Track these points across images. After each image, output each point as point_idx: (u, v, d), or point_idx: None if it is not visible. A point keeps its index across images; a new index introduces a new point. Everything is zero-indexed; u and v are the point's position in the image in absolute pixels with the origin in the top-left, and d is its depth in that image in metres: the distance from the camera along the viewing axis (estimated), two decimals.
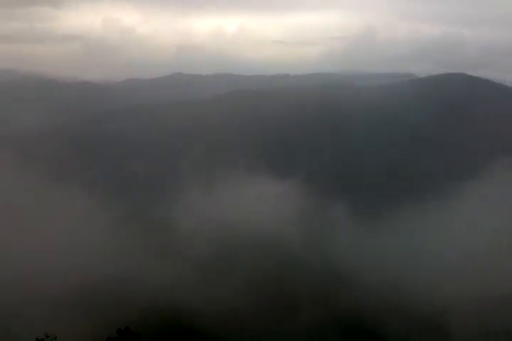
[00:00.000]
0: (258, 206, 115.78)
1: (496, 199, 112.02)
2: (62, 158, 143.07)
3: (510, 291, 74.79)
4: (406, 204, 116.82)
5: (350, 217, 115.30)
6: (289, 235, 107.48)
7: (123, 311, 63.10)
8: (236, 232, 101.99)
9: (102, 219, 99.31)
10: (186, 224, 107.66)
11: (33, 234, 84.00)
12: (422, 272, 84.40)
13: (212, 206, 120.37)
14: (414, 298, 77.83)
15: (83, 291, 67.78)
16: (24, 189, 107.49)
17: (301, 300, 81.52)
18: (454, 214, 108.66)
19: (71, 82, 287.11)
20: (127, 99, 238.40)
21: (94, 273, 72.58)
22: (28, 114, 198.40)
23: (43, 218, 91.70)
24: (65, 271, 70.22)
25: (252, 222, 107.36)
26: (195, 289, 78.61)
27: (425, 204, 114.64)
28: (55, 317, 56.16)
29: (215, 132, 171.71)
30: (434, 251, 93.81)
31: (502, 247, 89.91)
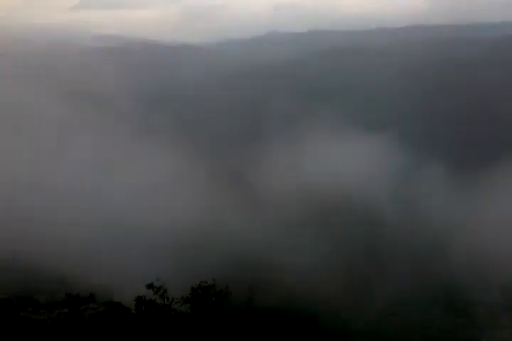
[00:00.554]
0: (348, 164, 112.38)
1: None
2: (162, 118, 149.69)
3: None
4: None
5: (446, 178, 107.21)
6: (380, 198, 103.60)
7: (210, 265, 64.93)
8: (324, 192, 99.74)
9: (192, 175, 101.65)
10: (275, 181, 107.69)
11: (125, 188, 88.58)
12: None
13: (302, 162, 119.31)
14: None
15: (174, 244, 71.39)
16: (123, 145, 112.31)
17: (389, 268, 78.56)
18: None
19: (172, 46, 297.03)
20: (226, 60, 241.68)
21: (184, 226, 75.72)
22: (131, 78, 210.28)
23: (136, 173, 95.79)
24: (157, 224, 74.28)
25: (342, 182, 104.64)
26: (281, 252, 76.28)
27: None
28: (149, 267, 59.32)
29: (313, 91, 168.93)
30: None
31: None
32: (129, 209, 78.81)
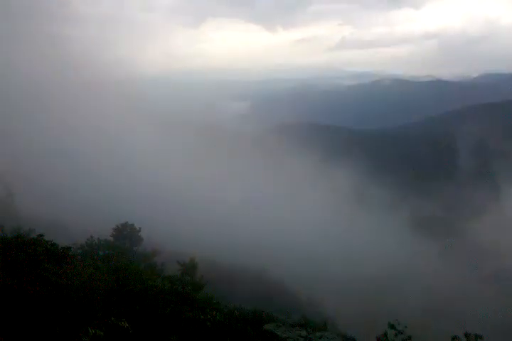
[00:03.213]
0: None
1: None
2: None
3: None
4: None
5: None
6: None
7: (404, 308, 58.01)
8: None
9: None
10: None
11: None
12: None
13: None
14: None
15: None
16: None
17: None
18: None
19: (424, 80, 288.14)
20: (483, 95, 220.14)
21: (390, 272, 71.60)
22: (384, 113, 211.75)
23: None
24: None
25: None
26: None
27: None
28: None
29: None
30: None
31: None
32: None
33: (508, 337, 56.11)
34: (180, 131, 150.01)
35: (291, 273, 60.91)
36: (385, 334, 23.85)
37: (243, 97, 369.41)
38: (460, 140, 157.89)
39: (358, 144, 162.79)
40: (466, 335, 21.32)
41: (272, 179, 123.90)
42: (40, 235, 26.84)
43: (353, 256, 78.07)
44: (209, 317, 11.78)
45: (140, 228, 42.37)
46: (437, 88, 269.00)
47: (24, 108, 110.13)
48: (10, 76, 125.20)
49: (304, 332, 15.92)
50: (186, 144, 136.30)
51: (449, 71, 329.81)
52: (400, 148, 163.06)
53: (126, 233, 41.39)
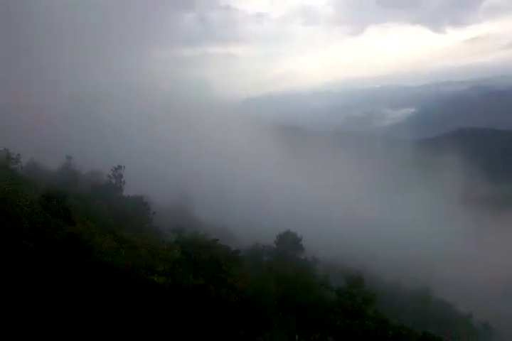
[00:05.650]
0: None
1: None
2: None
3: None
4: None
5: None
6: None
7: None
8: None
9: None
10: None
11: None
12: None
13: None
14: None
15: None
16: None
17: None
18: None
19: None
20: None
21: None
22: None
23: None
24: None
25: None
26: None
27: None
28: None
29: None
30: None
31: None
32: None
33: None
34: (341, 142, 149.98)
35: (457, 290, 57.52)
36: None
37: (407, 104, 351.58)
38: None
39: None
40: None
41: (441, 193, 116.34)
42: (216, 239, 29.60)
43: None
44: (379, 333, 11.43)
45: (301, 237, 43.34)
46: None
47: (197, 131, 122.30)
48: (175, 97, 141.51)
49: None
50: (345, 155, 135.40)
51: None
52: None
53: (289, 241, 42.75)
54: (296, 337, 10.89)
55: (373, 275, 49.44)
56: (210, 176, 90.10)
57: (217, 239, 27.52)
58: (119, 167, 42.60)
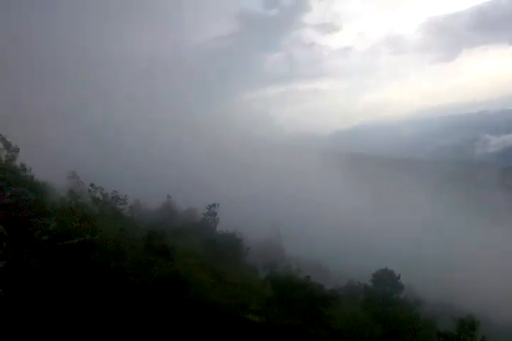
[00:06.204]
0: None
1: None
2: None
3: None
4: None
5: None
6: None
7: None
8: None
9: None
10: None
11: None
12: None
13: None
14: None
15: None
16: None
17: None
18: None
19: None
20: None
21: None
22: None
23: None
24: None
25: None
26: None
27: None
28: None
29: None
30: None
31: None
32: None
33: None
34: (430, 170, 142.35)
35: None
36: None
37: (509, 129, 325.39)
38: None
39: None
40: None
41: None
42: (308, 276, 29.17)
43: None
44: None
45: (400, 275, 41.10)
46: None
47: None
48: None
49: None
50: (434, 185, 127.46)
51: None
52: None
53: (386, 279, 40.72)
54: None
55: (486, 318, 44.60)
56: (303, 214, 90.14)
57: (309, 276, 27.12)
58: (213, 205, 44.46)
